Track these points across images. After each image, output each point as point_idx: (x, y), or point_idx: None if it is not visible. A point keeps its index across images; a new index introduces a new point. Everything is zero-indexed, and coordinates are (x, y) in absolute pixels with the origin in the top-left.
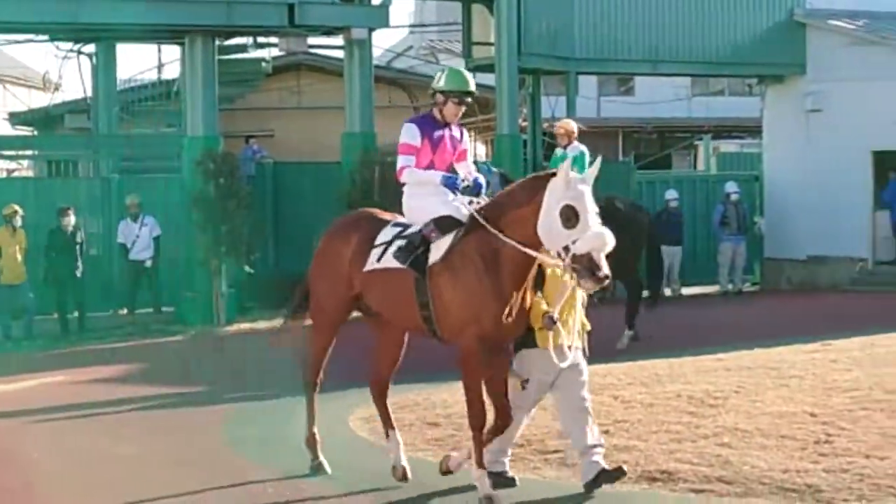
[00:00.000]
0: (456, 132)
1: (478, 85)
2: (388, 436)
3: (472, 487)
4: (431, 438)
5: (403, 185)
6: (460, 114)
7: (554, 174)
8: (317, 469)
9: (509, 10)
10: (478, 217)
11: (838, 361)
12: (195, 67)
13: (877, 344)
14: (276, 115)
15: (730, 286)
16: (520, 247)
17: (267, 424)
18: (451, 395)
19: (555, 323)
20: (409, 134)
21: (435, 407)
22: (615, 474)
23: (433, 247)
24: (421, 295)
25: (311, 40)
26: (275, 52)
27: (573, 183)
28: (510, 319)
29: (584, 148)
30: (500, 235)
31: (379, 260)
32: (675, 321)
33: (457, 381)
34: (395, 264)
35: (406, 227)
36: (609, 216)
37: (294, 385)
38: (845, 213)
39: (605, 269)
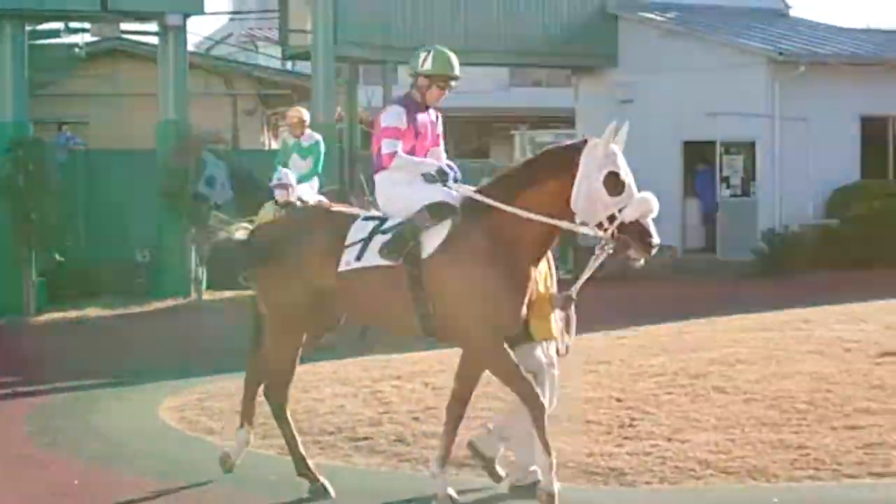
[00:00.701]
0: (433, 116)
1: (296, 73)
2: (241, 426)
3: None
4: None
5: (378, 172)
6: (442, 99)
7: (575, 146)
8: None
9: None
10: (483, 199)
11: (646, 347)
12: (4, 52)
13: (684, 330)
14: (91, 101)
15: None
16: (554, 222)
17: (73, 415)
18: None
19: (573, 301)
20: (396, 116)
21: None
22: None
23: (426, 237)
24: (417, 291)
25: (126, 26)
26: (89, 37)
27: (611, 150)
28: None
29: (319, 137)
30: (524, 212)
31: (359, 258)
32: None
33: None
34: (382, 261)
35: (381, 220)
36: None
37: (103, 373)
38: (659, 203)
39: (657, 235)
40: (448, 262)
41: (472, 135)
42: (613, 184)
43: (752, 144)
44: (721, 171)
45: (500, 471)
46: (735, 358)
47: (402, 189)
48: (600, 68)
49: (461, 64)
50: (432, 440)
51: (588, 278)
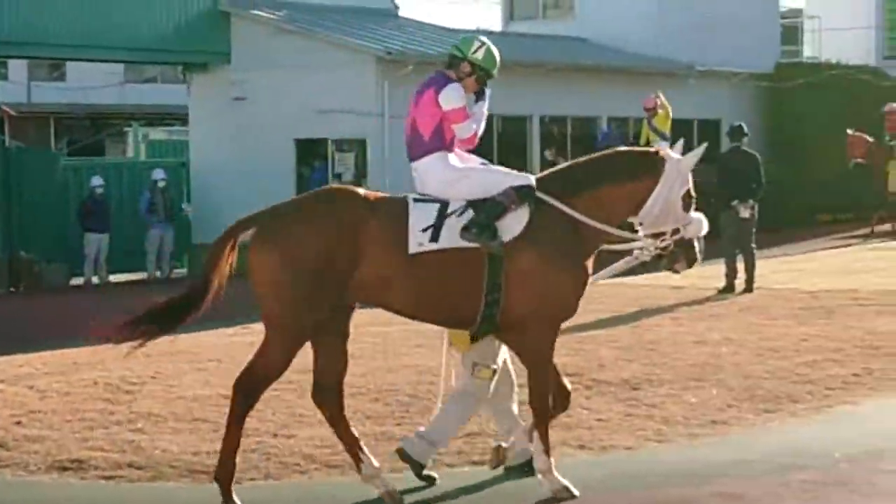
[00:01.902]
0: None
1: None
2: (361, 463)
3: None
4: None
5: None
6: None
7: (654, 154)
8: None
9: None
10: (545, 195)
11: (256, 344)
12: None
13: None
14: None
15: (158, 272)
16: (600, 226)
17: None
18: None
19: None
20: (461, 95)
21: None
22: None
23: (506, 221)
24: (493, 277)
25: None
26: None
27: (689, 167)
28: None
29: None
30: (579, 215)
31: (434, 240)
32: (100, 308)
33: None
34: (462, 243)
35: (441, 202)
36: None
37: None
38: (270, 198)
39: (701, 253)
40: (530, 247)
41: (86, 132)
42: (687, 201)
43: (364, 142)
44: (333, 168)
45: (433, 473)
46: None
47: (472, 171)
48: (213, 65)
49: (75, 59)
50: (35, 444)
51: None
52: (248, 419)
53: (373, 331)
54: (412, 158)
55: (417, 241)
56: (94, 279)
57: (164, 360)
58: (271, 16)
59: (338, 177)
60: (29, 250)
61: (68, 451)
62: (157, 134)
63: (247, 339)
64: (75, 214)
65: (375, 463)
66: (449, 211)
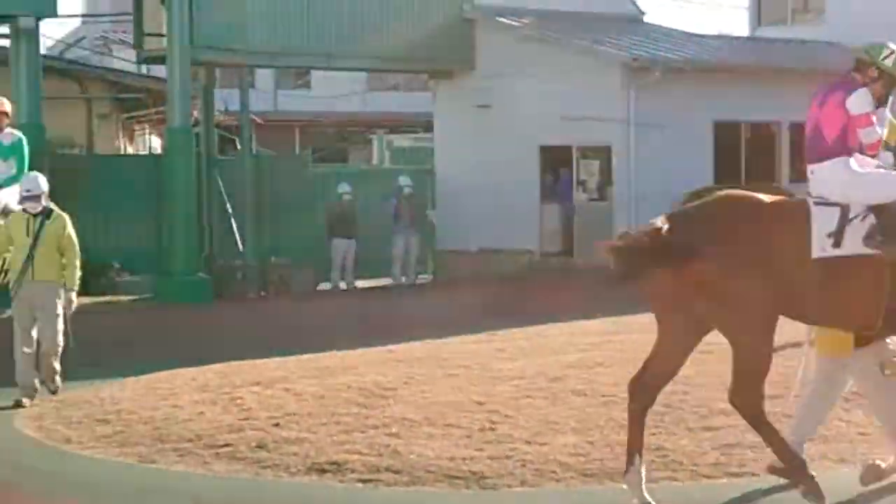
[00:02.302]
0: None
1: (152, 77)
2: (631, 466)
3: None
4: (101, 435)
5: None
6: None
7: None
8: None
9: (181, 1)
10: None
11: (505, 351)
12: None
13: (542, 334)
14: None
15: (403, 279)
16: None
17: None
18: (120, 391)
19: None
20: (869, 101)
21: (103, 403)
22: None
23: None
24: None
25: None
26: None
27: None
28: None
29: (21, 134)
30: None
31: (838, 245)
32: (348, 313)
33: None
34: (864, 250)
35: (841, 207)
36: None
37: None
38: (514, 206)
39: None
40: None
41: (330, 139)
42: None
43: (608, 149)
44: (578, 175)
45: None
46: (593, 361)
47: (873, 175)
48: (458, 73)
49: (322, 68)
50: (293, 446)
51: None
52: (499, 425)
53: (619, 339)
54: (810, 161)
55: (821, 247)
56: (342, 284)
57: (414, 365)
58: (516, 23)
59: (582, 184)
60: (279, 256)
61: (326, 454)
62: (402, 141)
63: (493, 345)
64: (323, 221)
65: (643, 473)
66: (851, 216)
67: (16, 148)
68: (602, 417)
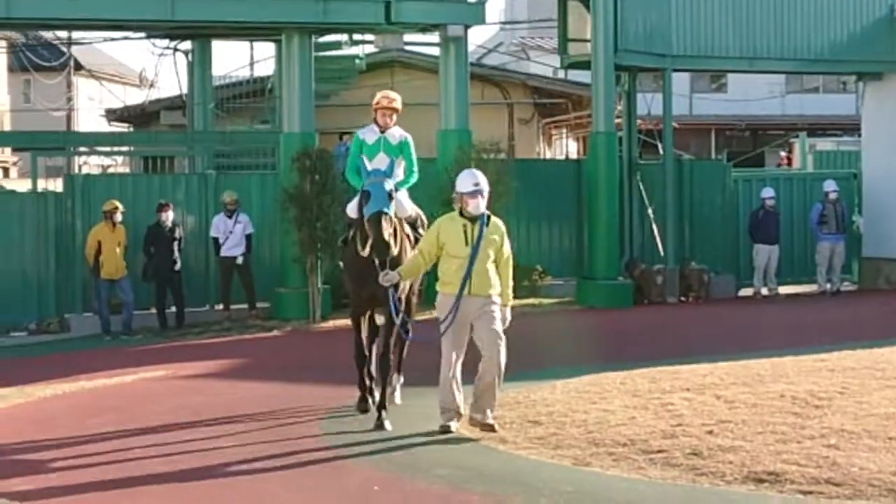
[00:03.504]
0: None
1: (570, 82)
2: None
3: None
4: (535, 437)
5: None
6: None
7: None
8: None
9: (606, 7)
10: None
11: None
12: (291, 64)
13: None
14: (369, 112)
15: (828, 286)
16: None
17: (365, 420)
18: (550, 393)
19: None
20: None
21: (535, 405)
22: None
23: None
24: None
25: (407, 37)
26: (368, 48)
27: None
28: None
29: (406, 133)
30: None
31: None
32: (774, 321)
33: (555, 379)
34: None
35: None
36: None
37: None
38: None
39: None
40: None
41: (746, 143)
42: None
43: None
44: None
45: None
46: None
47: None
48: (888, 74)
49: (743, 71)
50: (728, 454)
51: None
52: None
53: None
54: None
55: None
56: (763, 290)
57: (848, 374)
58: None
59: None
60: (700, 260)
61: (762, 464)
62: (825, 144)
63: None
64: (745, 226)
65: None
66: None
67: (404, 148)
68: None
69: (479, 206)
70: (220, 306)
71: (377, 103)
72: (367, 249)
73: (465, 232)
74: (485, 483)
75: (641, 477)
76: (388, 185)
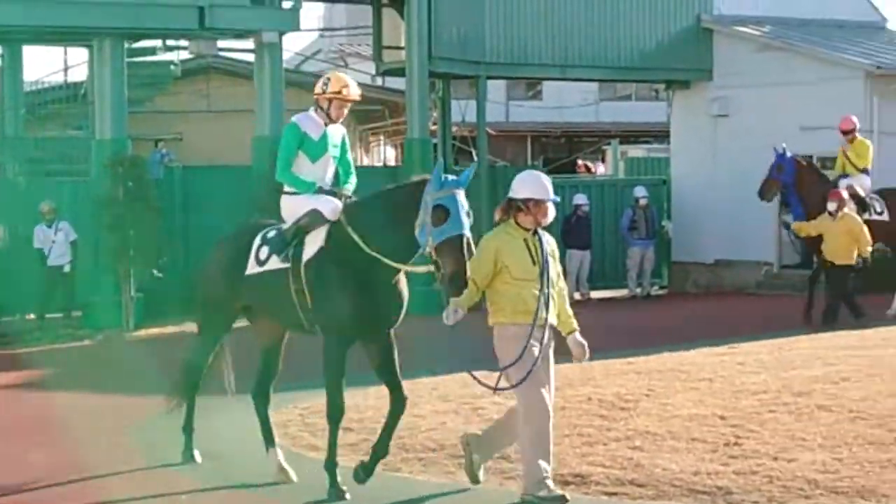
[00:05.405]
0: None
1: (388, 89)
2: None
3: None
4: (346, 443)
5: None
6: None
7: None
8: None
9: (420, 14)
10: None
11: (746, 364)
12: (104, 70)
13: (784, 347)
14: (185, 118)
15: (638, 290)
16: None
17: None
18: (363, 400)
19: None
20: None
21: (348, 412)
22: None
23: None
24: None
25: (221, 43)
26: (184, 54)
27: None
28: None
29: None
30: None
31: None
32: (584, 325)
33: (366, 387)
34: None
35: None
36: None
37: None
38: (751, 217)
39: None
40: None
41: (561, 150)
42: None
43: None
44: None
45: None
46: (839, 375)
47: None
48: (695, 82)
49: (556, 79)
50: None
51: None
52: (744, 440)
53: (865, 353)
54: None
55: None
56: (576, 295)
57: (654, 377)
58: (755, 32)
59: None
60: None
61: (569, 466)
62: (636, 151)
63: (736, 358)
64: (558, 231)
65: None
66: None
67: (343, 146)
68: (850, 434)
69: (552, 215)
70: (32, 315)
71: (336, 92)
72: (446, 282)
73: (529, 248)
74: (292, 490)
75: (449, 481)
76: (463, 197)
